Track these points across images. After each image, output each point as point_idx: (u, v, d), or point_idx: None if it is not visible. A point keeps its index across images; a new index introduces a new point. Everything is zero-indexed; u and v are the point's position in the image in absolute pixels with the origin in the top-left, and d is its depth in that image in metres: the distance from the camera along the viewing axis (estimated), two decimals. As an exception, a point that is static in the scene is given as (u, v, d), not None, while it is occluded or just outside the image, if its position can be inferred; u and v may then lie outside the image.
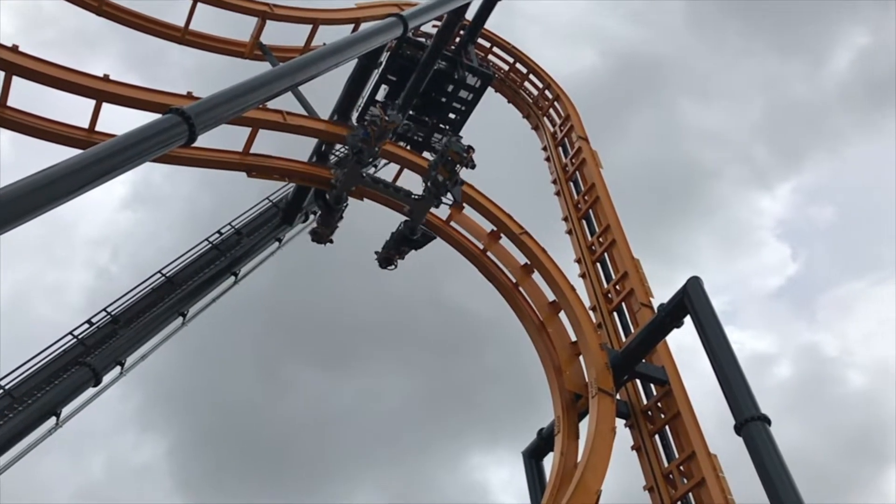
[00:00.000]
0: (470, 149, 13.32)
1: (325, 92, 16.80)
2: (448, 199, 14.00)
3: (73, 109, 12.48)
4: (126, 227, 45.15)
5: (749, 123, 47.47)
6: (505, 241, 15.52)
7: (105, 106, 12.34)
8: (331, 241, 15.19)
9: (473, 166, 13.48)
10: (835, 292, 49.16)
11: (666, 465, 11.36)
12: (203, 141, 9.74)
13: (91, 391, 14.57)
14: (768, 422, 9.82)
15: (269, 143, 15.16)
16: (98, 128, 12.59)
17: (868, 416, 37.65)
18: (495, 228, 15.63)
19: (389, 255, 14.71)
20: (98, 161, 7.53)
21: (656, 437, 11.75)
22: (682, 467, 11.14)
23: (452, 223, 16.10)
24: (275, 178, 15.91)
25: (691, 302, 11.42)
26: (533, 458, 13.20)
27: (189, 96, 12.63)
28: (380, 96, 19.30)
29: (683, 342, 12.74)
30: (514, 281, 14.98)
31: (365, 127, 13.42)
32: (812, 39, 46.48)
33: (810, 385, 39.47)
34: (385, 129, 13.67)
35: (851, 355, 42.79)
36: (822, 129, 47.56)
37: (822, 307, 48.91)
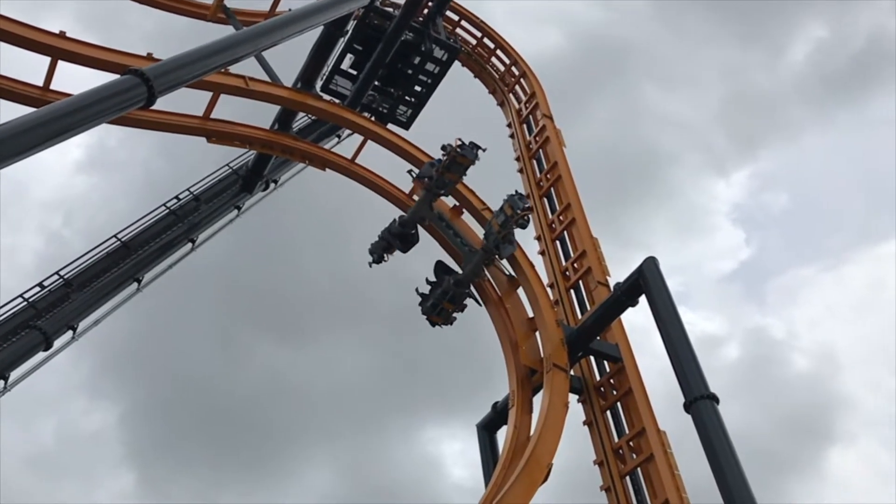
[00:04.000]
0: (526, 208, 12.88)
1: (289, 58, 16.59)
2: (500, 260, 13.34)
3: (27, 66, 12.12)
4: (80, 192, 44.20)
5: (708, 111, 48.20)
6: (467, 217, 15.55)
7: (61, 64, 12.00)
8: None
9: (524, 226, 13.00)
10: (784, 278, 50.50)
11: (616, 440, 11.58)
12: (162, 104, 9.57)
13: (41, 355, 14.38)
14: (717, 401, 10.08)
15: (231, 109, 14.94)
16: (53, 86, 12.25)
17: (810, 398, 38.93)
18: (458, 204, 15.63)
19: (447, 313, 13.39)
20: (52, 120, 7.37)
21: (608, 412, 11.97)
22: (631, 443, 11.38)
23: (415, 197, 16.08)
24: (236, 145, 15.71)
25: (647, 281, 11.60)
26: (487, 431, 13.36)
27: (149, 57, 12.33)
28: (345, 65, 19.09)
29: (637, 322, 12.99)
30: (474, 256, 15.04)
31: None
32: (772, 30, 47.22)
33: (757, 367, 40.58)
34: (454, 159, 13.50)
35: (797, 339, 44.13)
36: (778, 119, 48.54)
37: (771, 291, 50.24)
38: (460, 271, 13.61)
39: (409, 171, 14.81)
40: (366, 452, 39.54)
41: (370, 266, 14.39)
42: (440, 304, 13.29)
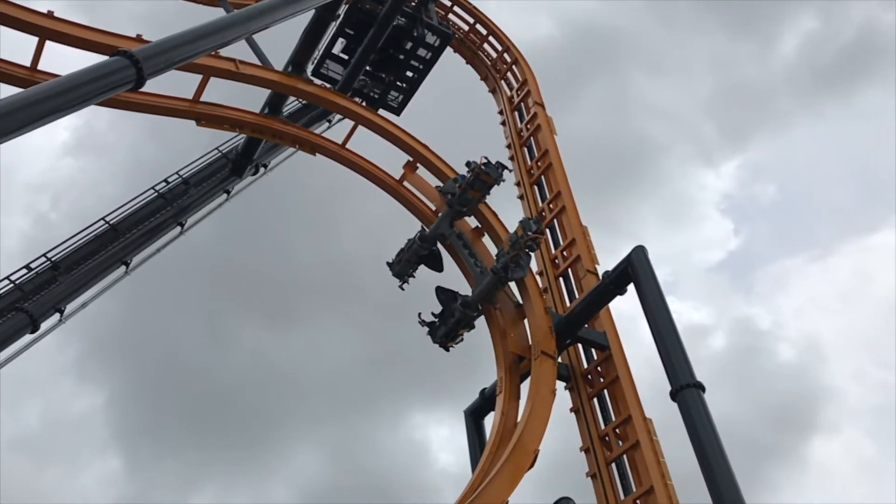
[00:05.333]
0: (538, 232, 12.57)
1: (280, 42, 16.47)
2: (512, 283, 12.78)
3: (14, 46, 12.00)
4: (67, 174, 43.93)
5: (698, 101, 48.28)
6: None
7: (48, 45, 11.88)
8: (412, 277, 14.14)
9: (533, 249, 12.67)
10: (772, 268, 50.84)
11: (603, 427, 11.67)
12: (151, 86, 9.49)
13: (28, 338, 14.30)
14: (703, 389, 10.16)
15: (220, 93, 14.85)
16: (41, 67, 12.14)
17: (795, 387, 39.28)
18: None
19: (455, 335, 13.11)
20: (40, 101, 7.29)
21: (595, 400, 12.05)
22: (618, 430, 11.46)
23: (405, 183, 16.06)
24: (225, 129, 15.62)
25: (635, 270, 11.66)
26: (474, 417, 13.43)
27: (138, 39, 12.23)
28: (337, 49, 18.98)
29: (625, 311, 13.05)
30: (464, 243, 15.06)
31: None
32: (763, 22, 47.21)
33: (743, 356, 40.88)
34: (477, 176, 13.22)
35: (782, 329, 44.45)
36: (768, 110, 48.68)
37: (758, 281, 50.60)
38: (463, 291, 13.28)
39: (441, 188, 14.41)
40: (353, 437, 39.68)
41: (402, 289, 14.06)
42: (455, 331, 12.94)
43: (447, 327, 12.95)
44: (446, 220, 13.91)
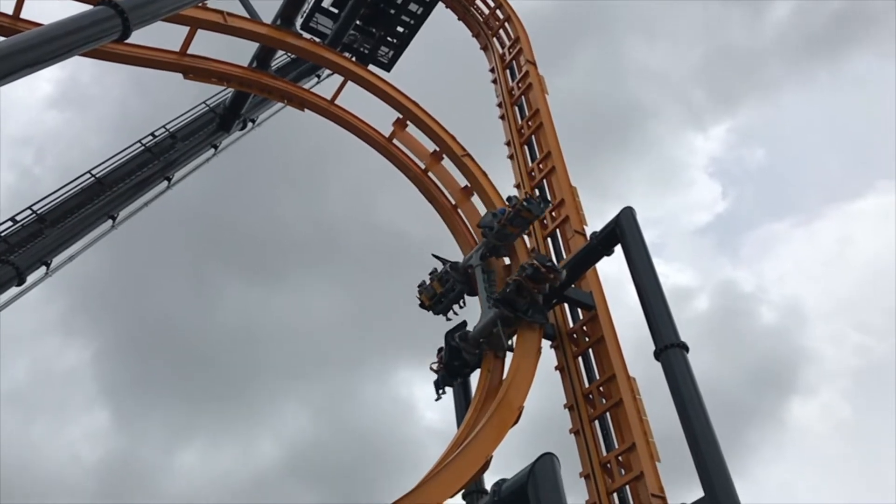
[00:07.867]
0: (554, 268, 11.91)
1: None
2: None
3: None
4: (51, 127, 43.32)
5: (689, 65, 47.98)
6: (447, 163, 15.50)
7: (31, -8, 11.67)
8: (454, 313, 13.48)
9: (553, 286, 12.04)
10: (758, 232, 51.13)
11: (587, 385, 11.83)
12: (137, 37, 9.35)
13: (14, 290, 14.28)
14: (686, 349, 10.29)
15: (208, 45, 14.64)
16: (24, 15, 11.91)
17: (775, 349, 39.82)
18: (438, 149, 15.56)
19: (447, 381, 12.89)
20: (23, 51, 7.18)
21: (580, 359, 12.19)
22: (601, 388, 11.62)
23: (395, 141, 15.98)
24: (213, 82, 15.45)
25: (623, 231, 11.70)
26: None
27: (123, -12, 11.99)
28: (326, 3, 18.71)
29: (611, 274, 13.12)
30: (453, 203, 15.07)
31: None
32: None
33: (726, 318, 41.27)
34: (518, 212, 12.88)
35: (765, 293, 44.84)
36: (758, 76, 48.47)
37: (744, 245, 50.94)
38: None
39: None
40: (338, 393, 39.99)
41: (448, 319, 13.54)
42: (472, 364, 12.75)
43: (463, 368, 12.81)
44: (479, 253, 13.65)
